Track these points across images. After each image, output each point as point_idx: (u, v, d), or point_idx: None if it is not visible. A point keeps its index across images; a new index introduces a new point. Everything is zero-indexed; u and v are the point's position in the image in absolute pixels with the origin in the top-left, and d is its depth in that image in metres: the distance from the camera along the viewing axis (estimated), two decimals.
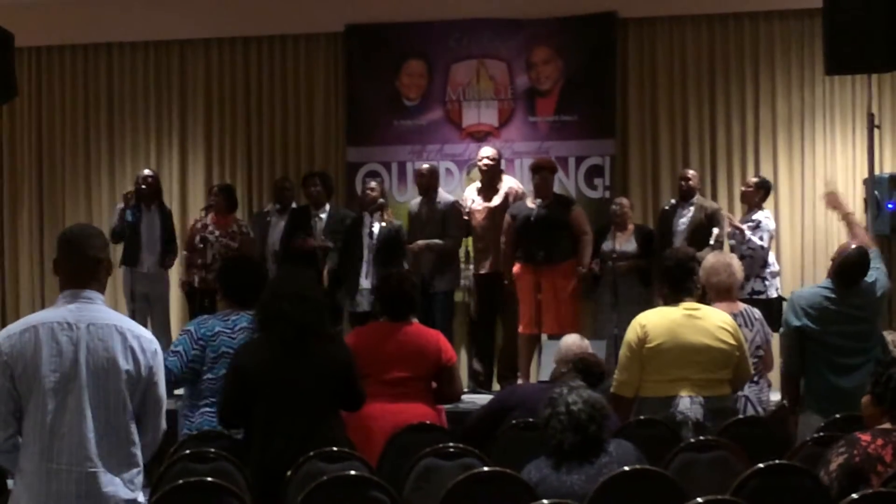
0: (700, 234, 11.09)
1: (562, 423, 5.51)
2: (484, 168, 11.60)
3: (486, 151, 11.74)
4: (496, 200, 11.45)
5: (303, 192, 11.94)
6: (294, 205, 11.99)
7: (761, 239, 11.19)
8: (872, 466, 5.24)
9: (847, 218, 8.41)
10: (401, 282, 7.64)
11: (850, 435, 5.44)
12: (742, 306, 8.22)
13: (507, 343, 11.51)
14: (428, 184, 11.46)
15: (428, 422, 7.06)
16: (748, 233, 11.14)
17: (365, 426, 6.92)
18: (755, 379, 7.96)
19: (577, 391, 5.59)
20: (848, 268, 7.61)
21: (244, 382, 6.12)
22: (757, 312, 8.21)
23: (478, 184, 11.74)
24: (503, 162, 11.95)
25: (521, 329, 11.09)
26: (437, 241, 11.19)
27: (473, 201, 11.55)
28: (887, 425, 5.40)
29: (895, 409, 5.42)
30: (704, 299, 7.78)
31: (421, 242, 11.23)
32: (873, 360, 7.24)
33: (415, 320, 7.60)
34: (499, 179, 11.64)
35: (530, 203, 11.09)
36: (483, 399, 9.84)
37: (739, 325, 7.74)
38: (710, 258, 8.54)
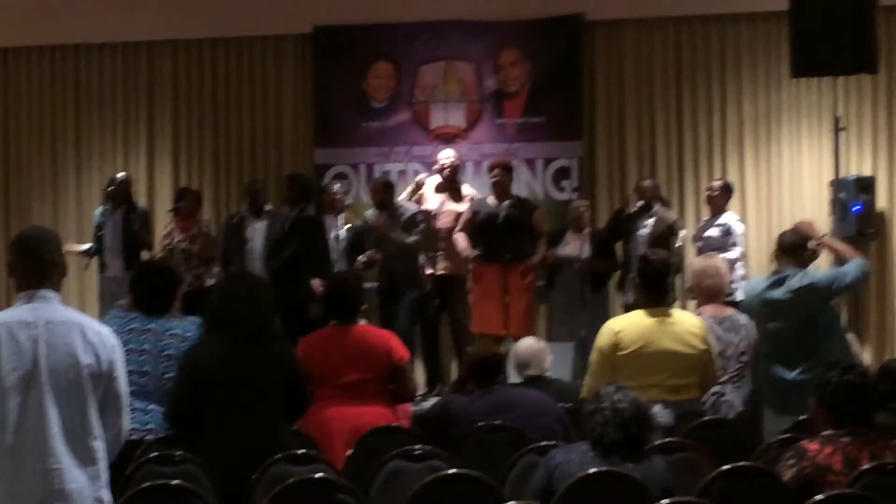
0: (660, 244, 11.08)
1: (605, 418, 5.47)
2: (447, 167, 11.62)
3: (448, 153, 11.78)
4: (463, 206, 11.43)
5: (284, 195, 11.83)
6: (268, 206, 11.88)
7: (734, 245, 11.26)
8: (823, 476, 5.25)
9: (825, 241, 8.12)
10: (344, 283, 7.65)
11: (796, 445, 5.45)
12: (729, 311, 8.22)
13: (464, 343, 11.38)
14: (381, 200, 11.35)
15: (395, 424, 7.08)
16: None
17: (324, 429, 6.90)
18: (738, 385, 7.97)
19: (625, 391, 5.57)
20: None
21: (196, 383, 6.10)
22: (743, 317, 8.20)
23: (436, 179, 11.74)
24: (469, 164, 11.97)
25: (477, 328, 11.12)
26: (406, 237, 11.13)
27: (442, 202, 11.53)
28: (831, 430, 5.42)
29: (835, 413, 5.43)
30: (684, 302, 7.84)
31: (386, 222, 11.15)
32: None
33: (363, 321, 7.56)
34: (460, 181, 11.72)
35: (491, 201, 11.12)
36: None
37: (727, 329, 7.78)
38: (698, 262, 8.54)
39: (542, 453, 5.86)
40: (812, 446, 5.34)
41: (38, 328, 4.52)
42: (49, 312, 4.56)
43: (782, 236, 7.86)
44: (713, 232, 11.35)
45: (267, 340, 6.23)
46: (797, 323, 7.50)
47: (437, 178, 11.74)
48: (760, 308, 7.55)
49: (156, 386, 6.50)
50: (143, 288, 6.94)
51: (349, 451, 6.65)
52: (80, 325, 4.59)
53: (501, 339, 10.77)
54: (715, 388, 7.76)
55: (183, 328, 6.73)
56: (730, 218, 11.52)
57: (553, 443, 6.18)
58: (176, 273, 7.76)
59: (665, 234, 11.24)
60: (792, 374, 7.45)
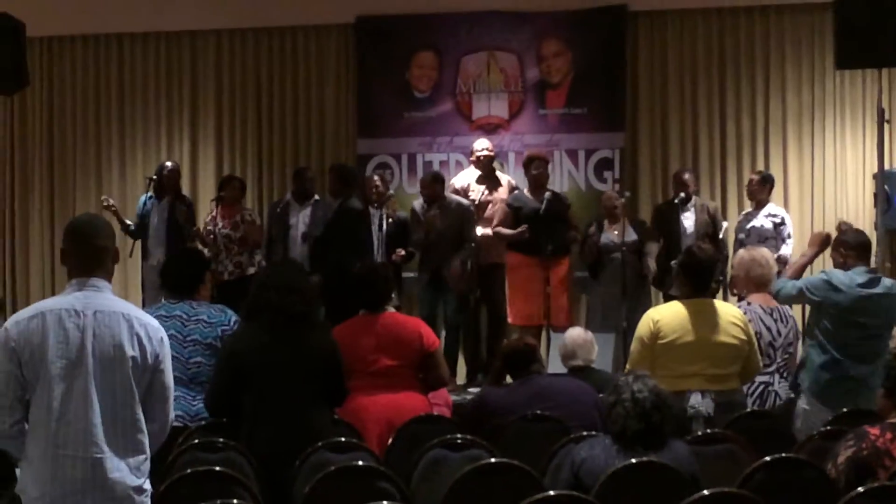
0: (706, 234, 11.08)
1: (626, 410, 5.48)
2: (483, 159, 11.60)
3: (484, 143, 11.79)
4: (503, 193, 11.45)
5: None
6: (316, 196, 11.85)
7: (789, 237, 11.20)
8: (879, 460, 5.24)
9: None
10: (373, 272, 7.64)
11: (859, 428, 5.44)
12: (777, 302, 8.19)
13: (502, 334, 11.43)
14: (432, 194, 11.24)
15: (434, 413, 7.09)
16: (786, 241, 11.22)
17: (358, 418, 6.91)
18: (784, 375, 7.94)
19: (643, 380, 5.57)
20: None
21: (235, 370, 6.17)
22: (789, 308, 8.15)
23: (474, 172, 11.71)
24: (511, 154, 11.96)
25: (518, 321, 11.14)
26: (466, 253, 11.02)
27: (484, 193, 11.53)
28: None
29: None
30: (726, 293, 7.75)
31: (458, 264, 11.00)
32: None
33: (392, 309, 7.57)
34: (495, 170, 11.78)
35: (529, 194, 11.14)
36: None
37: (776, 321, 7.77)
38: (745, 253, 8.49)
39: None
40: (874, 430, 5.34)
41: (86, 317, 4.55)
42: (99, 302, 4.59)
43: (850, 234, 7.73)
44: (764, 223, 11.20)
45: (305, 329, 6.27)
46: (883, 322, 7.45)
47: (473, 170, 11.73)
48: (854, 302, 7.42)
49: (182, 371, 6.56)
50: (170, 268, 7.11)
51: (390, 440, 6.68)
52: (127, 317, 4.61)
53: (539, 329, 10.77)
54: (762, 378, 7.75)
55: (208, 314, 6.83)
56: (780, 210, 11.44)
57: (593, 433, 6.18)
58: (205, 257, 7.83)
59: (710, 223, 11.20)
60: (858, 371, 7.40)
